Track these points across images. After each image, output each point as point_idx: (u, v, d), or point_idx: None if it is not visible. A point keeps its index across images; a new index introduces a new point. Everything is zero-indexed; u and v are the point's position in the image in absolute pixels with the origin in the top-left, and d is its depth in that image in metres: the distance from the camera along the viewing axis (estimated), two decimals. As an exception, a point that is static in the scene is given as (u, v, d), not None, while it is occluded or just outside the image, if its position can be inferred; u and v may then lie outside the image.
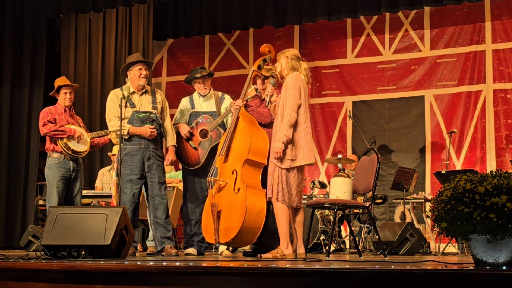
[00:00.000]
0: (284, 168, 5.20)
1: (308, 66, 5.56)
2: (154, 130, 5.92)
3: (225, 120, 6.20)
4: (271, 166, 5.31)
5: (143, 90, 6.05)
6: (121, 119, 5.78)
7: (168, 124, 6.11)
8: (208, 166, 6.01)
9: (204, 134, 6.22)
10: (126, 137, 5.91)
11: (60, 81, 6.68)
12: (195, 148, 6.19)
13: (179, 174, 8.10)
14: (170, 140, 6.10)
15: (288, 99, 5.23)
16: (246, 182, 5.52)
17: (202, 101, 6.34)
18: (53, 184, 6.38)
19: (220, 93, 6.45)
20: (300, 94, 5.24)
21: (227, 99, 6.35)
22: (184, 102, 6.40)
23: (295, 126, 5.22)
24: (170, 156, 6.07)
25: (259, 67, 5.89)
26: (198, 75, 6.28)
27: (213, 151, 6.08)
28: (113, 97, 5.99)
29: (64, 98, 6.55)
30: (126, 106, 5.84)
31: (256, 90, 6.01)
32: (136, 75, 6.00)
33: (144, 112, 5.96)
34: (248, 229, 5.46)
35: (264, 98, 5.87)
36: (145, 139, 5.90)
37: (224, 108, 6.25)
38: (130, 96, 5.89)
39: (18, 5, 9.26)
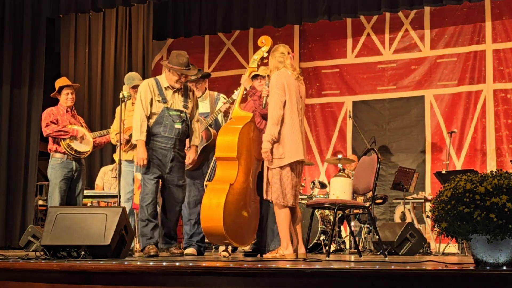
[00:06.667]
0: (273, 167, 5.17)
1: (295, 61, 5.51)
2: (143, 160, 5.56)
3: (221, 120, 6.19)
4: (265, 168, 5.28)
5: (178, 88, 5.75)
6: (120, 121, 5.74)
7: (195, 123, 5.85)
8: (204, 167, 6.02)
9: None
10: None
11: (61, 81, 6.67)
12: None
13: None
14: (195, 140, 5.84)
15: (271, 98, 5.23)
16: (214, 180, 5.56)
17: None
18: (55, 184, 6.38)
19: (215, 93, 6.40)
20: (283, 91, 5.20)
21: (221, 99, 6.30)
22: None
23: (281, 123, 5.18)
24: (192, 155, 5.81)
25: (253, 62, 5.87)
26: (193, 77, 6.24)
27: (204, 152, 6.07)
28: (146, 88, 5.61)
29: (66, 99, 6.55)
30: (158, 100, 5.60)
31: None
32: (176, 76, 5.66)
33: (176, 110, 5.67)
34: (208, 228, 5.45)
35: (261, 95, 5.86)
36: (173, 138, 5.62)
37: (218, 108, 6.22)
38: (164, 90, 5.66)
39: (17, 4, 9.26)
